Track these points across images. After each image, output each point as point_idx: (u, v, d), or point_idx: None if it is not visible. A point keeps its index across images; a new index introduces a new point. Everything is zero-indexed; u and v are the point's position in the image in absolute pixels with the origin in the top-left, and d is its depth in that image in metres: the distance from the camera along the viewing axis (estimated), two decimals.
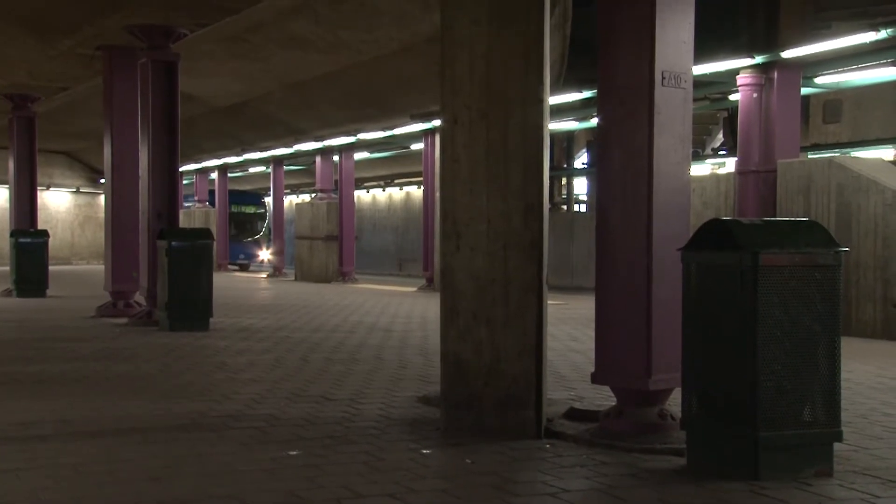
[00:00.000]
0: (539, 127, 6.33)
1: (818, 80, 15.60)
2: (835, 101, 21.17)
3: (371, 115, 23.68)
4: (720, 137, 26.34)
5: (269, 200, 41.84)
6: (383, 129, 24.68)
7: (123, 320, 14.31)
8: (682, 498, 4.93)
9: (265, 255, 34.42)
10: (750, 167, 14.77)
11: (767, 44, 14.52)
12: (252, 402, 7.56)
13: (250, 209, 38.82)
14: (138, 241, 14.75)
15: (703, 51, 9.32)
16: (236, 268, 36.36)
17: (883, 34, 13.15)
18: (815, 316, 5.15)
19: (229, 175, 35.94)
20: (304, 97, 23.16)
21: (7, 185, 22.84)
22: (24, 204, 20.98)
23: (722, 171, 21.50)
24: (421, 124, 22.82)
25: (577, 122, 21.70)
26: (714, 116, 25.61)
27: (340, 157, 28.14)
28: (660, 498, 4.93)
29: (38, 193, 22.44)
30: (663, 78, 6.11)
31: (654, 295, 6.06)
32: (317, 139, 27.12)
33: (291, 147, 28.85)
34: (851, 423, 6.50)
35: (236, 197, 38.29)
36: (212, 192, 36.35)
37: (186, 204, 36.50)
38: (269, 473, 5.35)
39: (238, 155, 31.84)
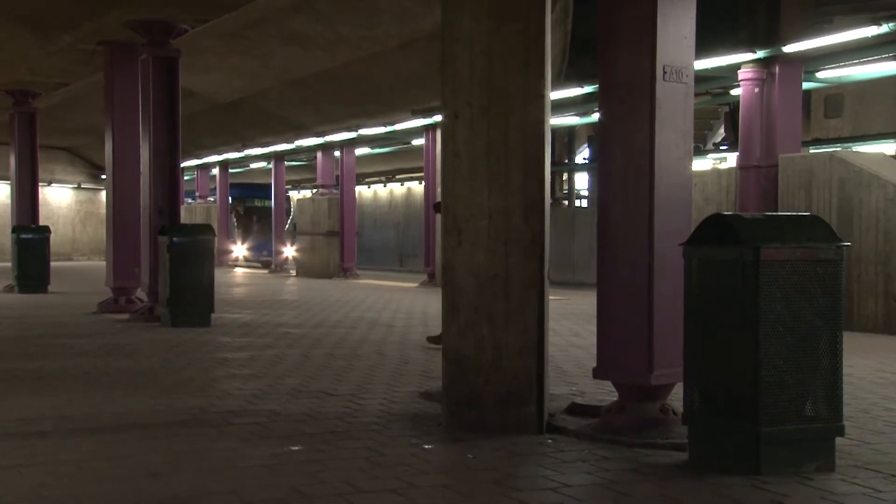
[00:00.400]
0: (540, 123, 6.32)
1: (820, 75, 15.59)
2: (836, 96, 21.16)
3: (371, 111, 23.67)
4: (721, 132, 26.29)
5: (293, 194, 41.04)
6: (384, 125, 24.67)
7: (125, 316, 14.31)
8: (684, 493, 4.92)
9: (290, 251, 31.32)
10: (751, 162, 14.76)
11: (769, 38, 14.49)
12: (253, 397, 7.56)
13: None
14: (140, 237, 14.76)
15: (705, 45, 9.29)
16: (259, 265, 34.17)
17: (885, 28, 13.13)
18: (817, 311, 5.14)
19: (231, 171, 35.70)
20: (305, 93, 23.14)
21: (8, 181, 22.88)
22: (26, 200, 20.98)
23: (723, 166, 21.50)
24: (422, 120, 22.82)
25: (578, 118, 21.72)
26: (715, 111, 25.56)
27: (342, 153, 28.13)
28: (661, 493, 4.93)
29: (40, 189, 22.45)
30: (665, 73, 6.08)
31: (655, 290, 6.05)
32: (318, 135, 27.11)
33: (292, 143, 28.86)
34: (853, 417, 6.49)
35: (258, 190, 36.68)
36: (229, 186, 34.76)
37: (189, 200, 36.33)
38: (270, 469, 5.34)
39: (239, 151, 31.80)
